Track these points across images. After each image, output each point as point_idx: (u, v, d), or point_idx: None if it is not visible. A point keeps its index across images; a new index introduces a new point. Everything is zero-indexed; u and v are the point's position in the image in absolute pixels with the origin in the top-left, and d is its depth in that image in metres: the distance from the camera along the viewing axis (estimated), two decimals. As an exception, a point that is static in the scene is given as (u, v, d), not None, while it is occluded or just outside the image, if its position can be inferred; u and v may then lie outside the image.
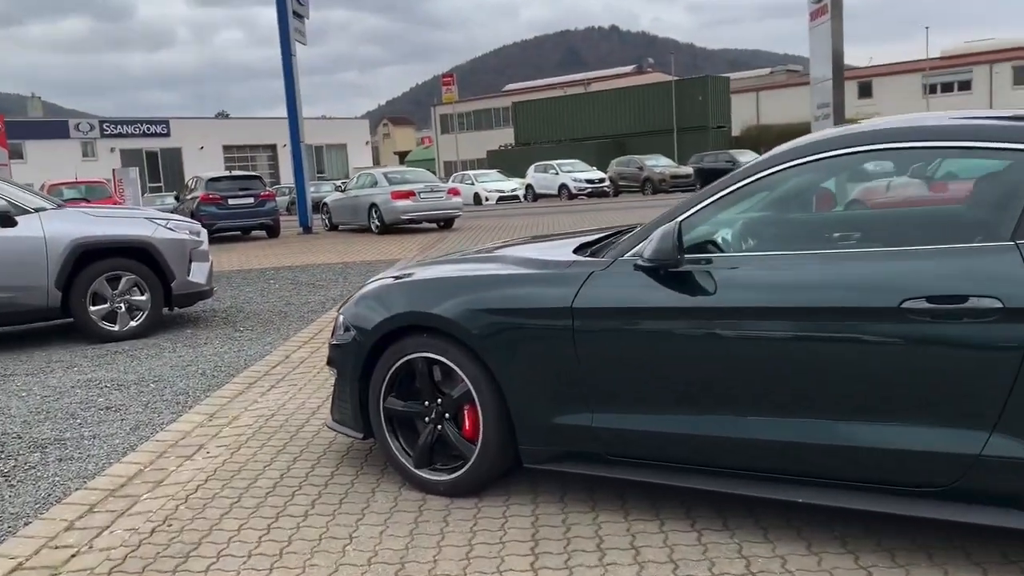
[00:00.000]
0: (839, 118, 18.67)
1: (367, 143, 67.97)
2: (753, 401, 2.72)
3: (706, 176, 31.56)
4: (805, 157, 2.80)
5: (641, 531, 2.95)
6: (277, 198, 21.39)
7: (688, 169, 32.05)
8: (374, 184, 18.56)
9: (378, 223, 18.13)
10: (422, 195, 17.81)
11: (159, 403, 5.17)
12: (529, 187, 33.72)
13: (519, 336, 3.10)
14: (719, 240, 3.00)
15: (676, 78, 49.51)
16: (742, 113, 53.49)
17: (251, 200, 18.37)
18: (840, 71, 18.71)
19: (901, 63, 57.37)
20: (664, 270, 2.82)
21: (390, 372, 3.47)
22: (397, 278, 3.65)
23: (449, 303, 3.27)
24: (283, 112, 19.95)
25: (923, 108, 49.83)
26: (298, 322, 7.84)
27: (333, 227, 20.54)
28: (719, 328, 2.74)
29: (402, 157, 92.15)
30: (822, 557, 2.67)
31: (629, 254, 2.99)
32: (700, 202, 2.92)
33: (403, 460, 3.49)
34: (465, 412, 3.36)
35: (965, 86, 52.08)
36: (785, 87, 60.15)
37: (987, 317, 2.35)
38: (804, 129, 43.36)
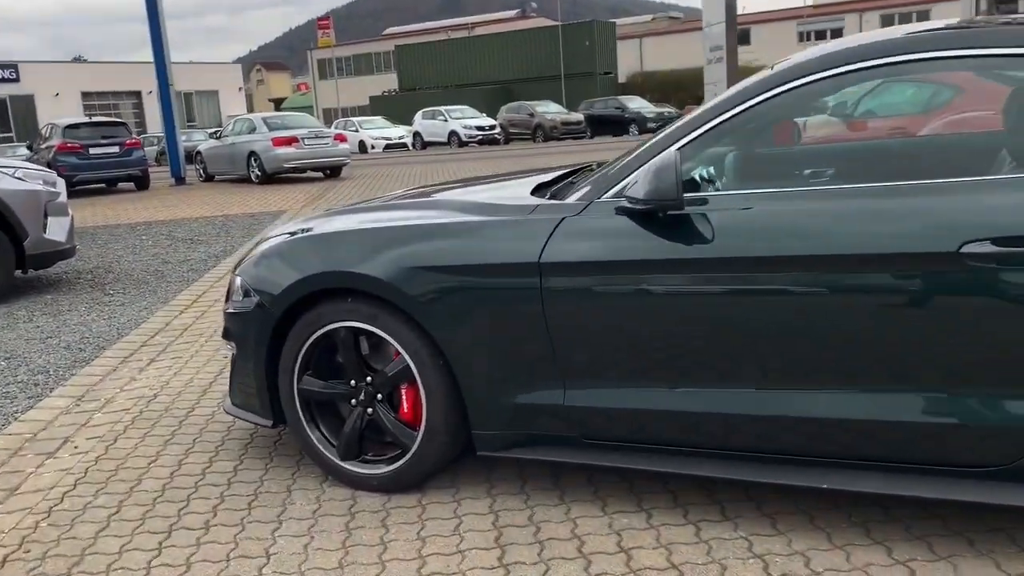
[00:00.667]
0: (732, 61, 18.65)
1: (240, 89, 64.51)
2: (771, 371, 2.24)
3: (596, 123, 31.37)
4: (821, 72, 2.30)
5: (627, 527, 2.46)
6: (145, 148, 19.71)
7: (579, 116, 31.68)
8: (253, 130, 17.27)
9: (259, 172, 16.92)
10: (306, 141, 16.70)
11: (11, 386, 4.32)
12: (417, 134, 32.62)
13: (472, 299, 2.52)
14: (716, 177, 2.49)
15: (562, 23, 48.91)
16: (626, 60, 53.52)
17: (116, 149, 16.75)
18: (733, 14, 18.64)
19: (777, 11, 58.61)
20: (662, 213, 2.28)
21: (305, 346, 2.83)
22: (305, 231, 2.98)
23: (379, 260, 2.64)
24: (148, 56, 18.24)
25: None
26: (178, 283, 6.96)
27: (209, 178, 19.12)
28: (731, 283, 2.24)
29: (277, 104, 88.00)
30: (849, 552, 2.25)
31: (608, 195, 2.44)
32: (695, 128, 2.38)
33: (325, 452, 2.88)
34: (403, 392, 2.76)
35: (837, 33, 53.66)
36: (667, 34, 60.59)
37: None
38: (689, 74, 43.60)
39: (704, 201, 2.31)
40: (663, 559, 2.28)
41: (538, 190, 2.87)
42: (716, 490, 2.64)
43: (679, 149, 2.34)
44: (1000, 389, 2.05)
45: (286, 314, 2.83)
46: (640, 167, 2.37)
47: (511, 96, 40.71)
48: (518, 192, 2.82)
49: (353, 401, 2.83)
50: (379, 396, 2.78)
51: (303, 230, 3.00)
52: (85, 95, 51.40)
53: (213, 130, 20.05)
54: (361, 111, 50.00)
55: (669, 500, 2.61)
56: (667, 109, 32.87)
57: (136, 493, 2.93)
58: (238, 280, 3.03)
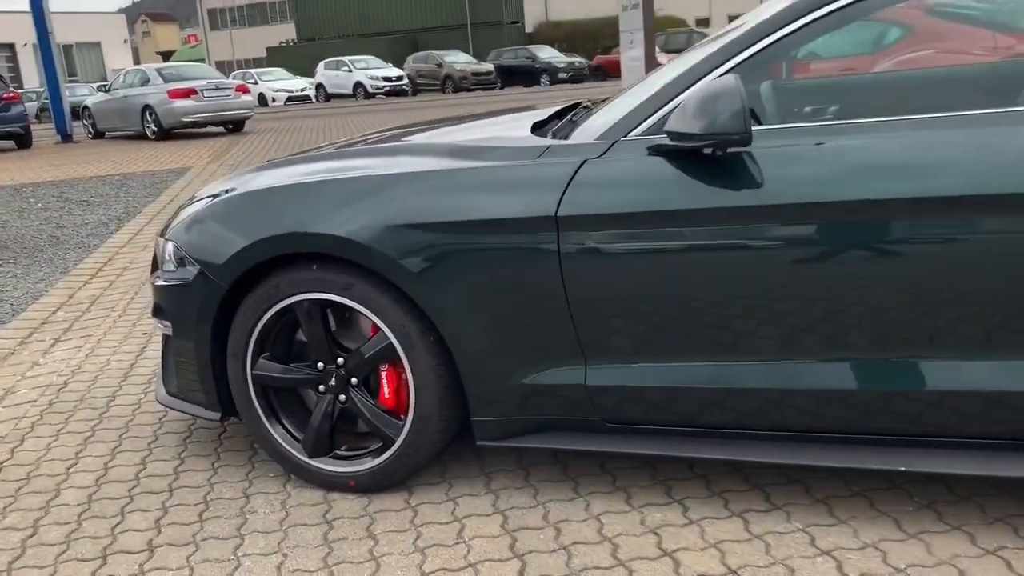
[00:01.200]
0: (649, 8, 18.32)
1: (125, 42, 60.76)
2: (854, 337, 1.89)
3: (506, 73, 30.73)
4: None
5: (663, 524, 2.11)
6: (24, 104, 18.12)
7: (489, 66, 30.94)
8: (146, 82, 16.02)
9: (154, 128, 15.74)
10: (205, 93, 15.59)
11: None
12: (320, 86, 31.30)
13: (473, 262, 2.09)
14: (770, 106, 2.11)
15: (465, -30, 47.61)
16: (532, 10, 52.68)
17: (-9, 104, 15.29)
18: (647, -43, 18.25)
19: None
20: (721, 151, 1.88)
21: (260, 324, 2.35)
22: (249, 187, 2.48)
23: (354, 217, 2.18)
24: (19, 5, 16.67)
25: (703, 5, 51.45)
26: (77, 250, 6.23)
27: (99, 134, 17.75)
28: (808, 236, 1.86)
29: (165, 58, 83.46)
30: (927, 542, 1.95)
31: (637, 132, 2.02)
32: (746, 48, 1.98)
33: (289, 448, 2.42)
34: (383, 374, 2.32)
35: (738, -17, 54.17)
36: (571, -18, 59.86)
37: None
38: (596, 24, 43.03)
39: (766, 135, 1.92)
40: (717, 562, 1.94)
41: (536, 130, 2.44)
42: (751, 473, 2.31)
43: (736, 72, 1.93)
44: None
45: (235, 286, 2.34)
46: (679, 95, 1.97)
47: (416, 46, 39.53)
48: (514, 132, 2.39)
49: (321, 387, 2.37)
50: (353, 380, 2.34)
51: (245, 186, 2.49)
52: (-47, 47, 47.36)
53: (96, 85, 18.47)
54: (257, 63, 47.75)
55: (701, 487, 2.27)
56: (577, 59, 32.44)
57: (56, 508, 2.41)
58: (170, 247, 2.51)
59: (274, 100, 29.54)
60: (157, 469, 2.61)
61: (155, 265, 2.66)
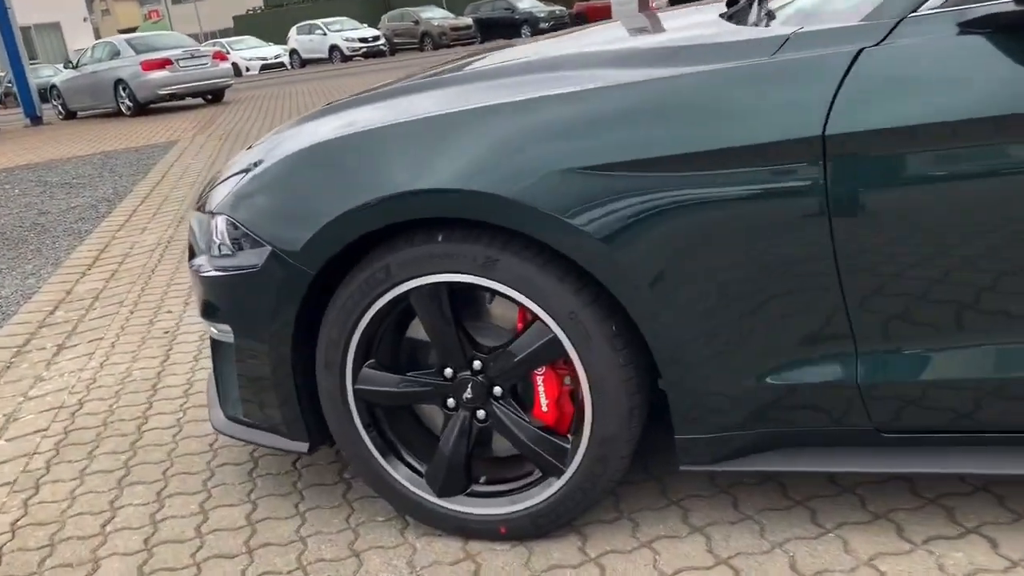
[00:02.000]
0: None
1: (85, 20, 58.81)
2: None
3: (485, 27, 29.64)
4: None
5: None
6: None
7: (467, 20, 29.78)
8: (116, 55, 15.04)
9: (129, 103, 14.81)
10: (181, 63, 14.65)
11: None
12: (294, 52, 30.13)
13: (688, 216, 1.43)
14: None
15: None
16: (502, -40, 51.09)
17: (-48, 87, 14.31)
18: None
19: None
20: None
21: (364, 321, 1.69)
22: (334, 133, 1.80)
23: (500, 162, 1.52)
24: None
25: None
26: (67, 237, 5.51)
27: (70, 115, 16.77)
28: None
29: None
30: None
31: (933, 3, 1.36)
32: None
33: (408, 486, 1.78)
34: (539, 380, 1.68)
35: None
36: (541, -69, 58.19)
37: None
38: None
39: None
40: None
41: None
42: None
43: None
44: None
45: (325, 270, 1.68)
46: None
47: (389, 5, 38.15)
48: (703, 27, 1.71)
49: (451, 402, 1.72)
50: (497, 390, 1.69)
51: (314, 135, 1.81)
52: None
53: (66, 62, 17.40)
54: (225, 34, 46.15)
55: (941, 518, 1.65)
56: (557, 8, 31.36)
57: (97, 588, 1.77)
58: (221, 223, 1.83)
59: (248, 69, 28.41)
60: (224, 519, 1.97)
61: (194, 250, 1.99)
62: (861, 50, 1.35)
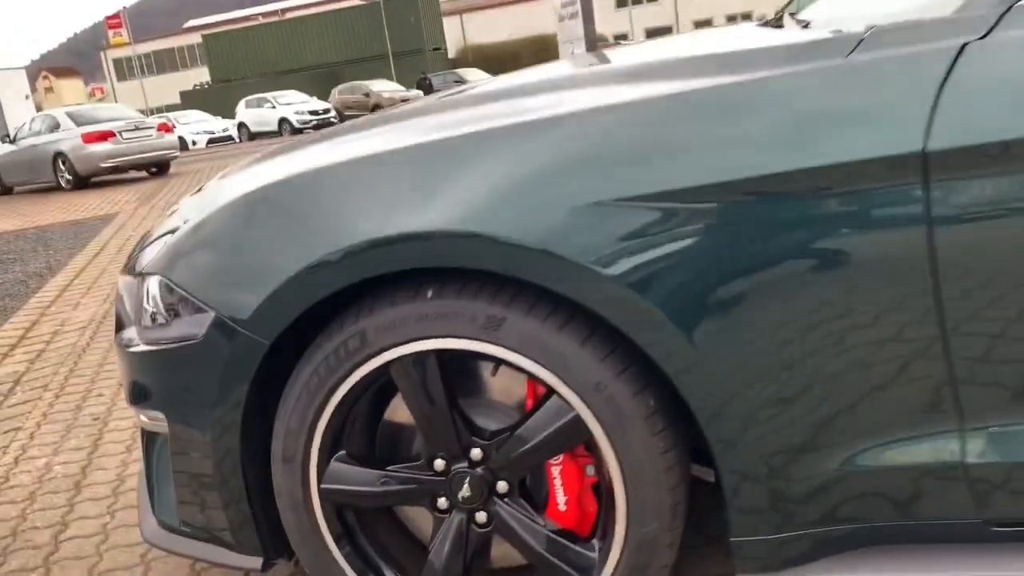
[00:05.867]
0: (589, 16, 17.73)
1: (27, 97, 58.09)
2: None
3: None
4: None
5: None
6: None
7: (418, 92, 29.95)
8: (56, 128, 14.51)
9: (69, 177, 14.23)
10: (124, 135, 14.17)
11: None
12: (242, 125, 29.84)
13: (751, 258, 1.14)
14: None
15: (383, 0, 46.73)
16: (451, 36, 52.07)
17: None
18: (583, -34, 17.67)
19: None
20: None
21: (333, 402, 1.35)
22: (287, 170, 1.47)
23: (505, 198, 1.21)
24: None
25: (622, 19, 51.68)
26: (-8, 314, 5.03)
27: (6, 190, 16.08)
28: None
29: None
30: None
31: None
32: None
33: (392, 610, 1.41)
34: (555, 471, 1.34)
35: (653, -2, 54.65)
36: (487, 8, 59.71)
37: None
38: (519, 45, 43.00)
39: None
40: None
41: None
42: None
43: None
44: None
45: (283, 340, 1.34)
46: None
47: (338, 80, 38.21)
48: (746, 36, 1.45)
49: (444, 501, 1.38)
50: (502, 486, 1.35)
51: (270, 175, 1.49)
52: None
53: (3, 136, 16.81)
54: (171, 109, 45.90)
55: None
56: (507, 80, 31.77)
57: None
58: (154, 285, 1.48)
59: (195, 143, 27.95)
60: (156, 658, 1.56)
61: (121, 321, 1.63)
62: (964, 44, 1.09)
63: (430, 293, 1.28)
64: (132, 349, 1.53)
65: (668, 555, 1.29)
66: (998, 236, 1.08)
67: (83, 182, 14.27)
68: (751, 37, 1.49)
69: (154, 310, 1.48)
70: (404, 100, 28.99)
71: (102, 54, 68.43)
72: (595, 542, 1.33)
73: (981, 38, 1.09)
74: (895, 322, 1.12)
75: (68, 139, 14.07)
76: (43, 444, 2.74)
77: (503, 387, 1.39)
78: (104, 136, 13.94)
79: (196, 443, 1.44)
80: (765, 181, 1.11)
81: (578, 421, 1.26)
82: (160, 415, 1.49)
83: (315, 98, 30.51)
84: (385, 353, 1.30)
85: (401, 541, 1.47)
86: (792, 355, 1.15)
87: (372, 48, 43.71)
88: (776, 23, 1.63)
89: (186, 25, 73.46)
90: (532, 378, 1.28)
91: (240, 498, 1.44)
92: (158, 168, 15.38)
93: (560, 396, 1.26)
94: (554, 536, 1.34)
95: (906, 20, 1.16)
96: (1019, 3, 1.10)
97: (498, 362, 1.31)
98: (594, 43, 18.23)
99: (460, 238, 1.21)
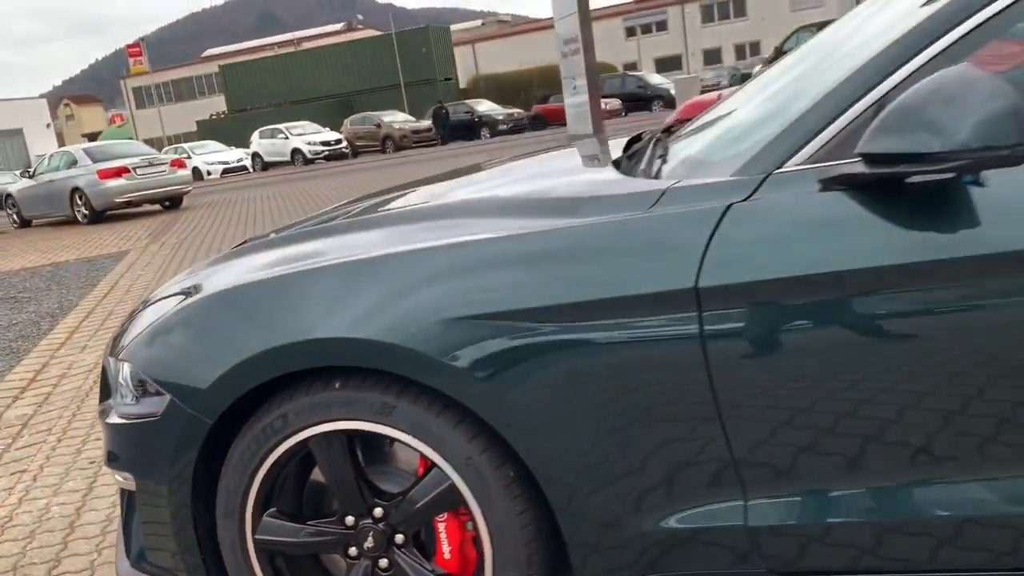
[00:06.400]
0: (590, 51, 18.16)
1: (48, 126, 59.21)
2: None
3: (453, 128, 30.30)
4: None
5: None
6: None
7: (427, 123, 30.52)
8: (73, 164, 15.08)
9: (86, 211, 14.80)
10: (138, 171, 14.71)
11: None
12: (256, 156, 30.51)
13: (574, 363, 1.46)
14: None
15: (396, 31, 47.61)
16: (462, 65, 52.91)
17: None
18: (585, 5, 18.11)
19: (603, 8, 59.82)
20: (975, 173, 1.29)
21: (263, 470, 1.68)
22: (238, 279, 1.82)
23: (391, 312, 1.54)
24: None
25: (631, 49, 52.36)
26: (5, 357, 5.40)
27: (25, 223, 16.70)
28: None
29: (92, 139, 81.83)
30: None
31: (797, 160, 1.43)
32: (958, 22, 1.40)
33: (313, 638, 1.73)
34: (440, 527, 1.66)
35: (662, 26, 55.34)
36: (498, 38, 60.65)
37: None
38: (529, 75, 43.60)
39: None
40: None
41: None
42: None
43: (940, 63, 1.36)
44: None
45: (224, 419, 1.67)
46: (852, 106, 1.39)
47: (352, 109, 39.02)
48: (594, 174, 1.78)
49: (354, 550, 1.70)
50: (399, 538, 1.67)
51: (218, 280, 1.84)
52: None
53: (23, 170, 17.42)
54: (188, 138, 46.79)
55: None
56: (515, 110, 32.33)
57: None
58: (126, 370, 1.82)
59: (209, 173, 28.61)
60: (125, 677, 1.88)
61: (103, 393, 1.97)
62: (728, 206, 1.42)
63: (337, 384, 1.60)
64: (109, 420, 1.86)
65: (526, 595, 1.60)
66: (757, 349, 1.39)
67: (98, 216, 14.79)
68: (587, 182, 1.82)
69: (126, 390, 1.82)
70: (414, 131, 29.60)
71: (121, 82, 69.63)
72: (477, 583, 1.64)
73: (743, 200, 1.42)
74: (685, 413, 1.44)
75: (85, 175, 14.61)
76: (45, 486, 3.08)
77: (402, 458, 1.71)
78: (119, 172, 14.46)
79: (157, 499, 1.77)
80: (577, 306, 1.44)
81: (453, 488, 1.58)
82: (129, 475, 1.82)
83: (328, 129, 31.12)
84: (303, 431, 1.63)
85: (320, 580, 1.79)
86: (610, 440, 1.47)
87: (385, 78, 44.53)
88: (629, 160, 1.95)
89: (204, 54, 74.74)
90: (419, 452, 1.61)
91: (192, 545, 1.77)
92: (171, 201, 15.90)
93: (440, 468, 1.58)
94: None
95: (694, 183, 1.49)
96: (773, 174, 1.43)
97: (392, 440, 1.63)
98: (596, 76, 18.64)
99: (354, 342, 1.55)
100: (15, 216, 16.79)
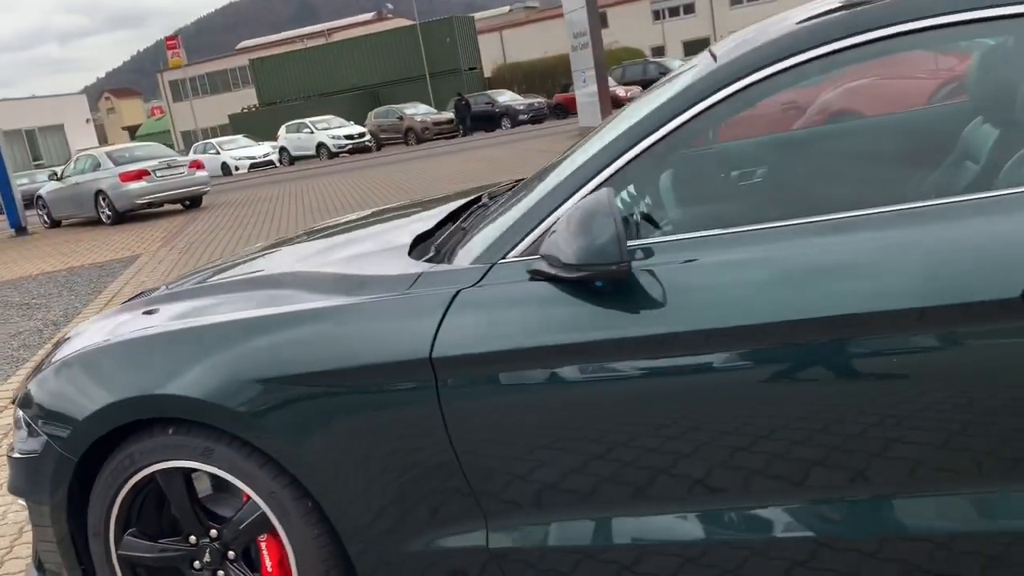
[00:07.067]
0: (598, 45, 18.35)
1: (88, 121, 60.64)
2: (769, 481, 1.62)
3: (474, 119, 30.63)
4: (792, 56, 1.67)
5: None
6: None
7: (449, 115, 30.93)
8: (96, 167, 15.73)
9: (109, 213, 15.44)
10: (158, 173, 15.31)
11: None
12: (283, 150, 31.17)
13: (342, 418, 1.80)
14: (663, 214, 1.85)
15: (420, 21, 48.00)
16: (489, 53, 53.12)
17: (-63, 205, 14.92)
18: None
19: (630, -8, 59.53)
20: (604, 280, 1.61)
21: (119, 498, 2.04)
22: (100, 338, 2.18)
23: (201, 374, 1.89)
24: None
25: (657, 33, 52.07)
26: (6, 365, 5.88)
27: (55, 223, 17.42)
28: (698, 368, 1.60)
29: (132, 132, 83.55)
30: None
31: (515, 252, 1.75)
32: (627, 150, 1.72)
33: (169, 637, 2.10)
34: (263, 546, 2.01)
35: (689, 9, 54.95)
36: (527, 24, 60.64)
37: None
38: (554, 62, 43.34)
39: (649, 252, 1.66)
40: None
41: (420, 243, 2.16)
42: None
43: (610, 184, 1.68)
44: None
45: (88, 457, 2.04)
46: (557, 209, 1.71)
47: (377, 100, 39.60)
48: (391, 254, 2.10)
49: (197, 564, 2.06)
50: (231, 554, 2.03)
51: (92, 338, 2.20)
52: (-89, 142, 46.88)
53: (50, 172, 18.17)
54: (222, 130, 47.74)
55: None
56: (537, 99, 32.54)
57: None
58: (19, 412, 2.20)
59: (237, 168, 29.33)
60: (28, 665, 2.27)
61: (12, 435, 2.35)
62: (457, 292, 1.74)
63: (171, 431, 1.96)
64: (9, 455, 2.24)
65: (328, 603, 1.95)
66: (480, 404, 1.71)
67: (121, 217, 15.40)
68: (386, 254, 2.13)
69: (20, 428, 2.20)
70: (436, 123, 29.96)
71: (159, 75, 70.93)
72: (290, 593, 1.99)
73: (473, 286, 1.74)
74: (429, 457, 1.76)
75: (107, 178, 15.23)
76: (4, 495, 3.49)
77: (231, 489, 2.06)
78: (139, 175, 15.05)
79: (44, 520, 2.14)
80: (342, 372, 1.77)
81: (264, 516, 1.92)
82: (23, 501, 2.20)
83: (351, 122, 31.62)
84: (147, 468, 1.99)
85: (174, 589, 2.15)
86: (379, 479, 1.80)
87: (410, 69, 44.94)
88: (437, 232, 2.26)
89: (238, 47, 75.77)
90: (240, 486, 1.95)
91: (72, 559, 2.14)
92: (192, 201, 16.46)
93: (254, 498, 1.93)
94: (263, 587, 2.01)
95: (442, 268, 1.81)
96: (498, 263, 1.74)
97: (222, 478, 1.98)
98: (603, 69, 18.77)
99: (177, 398, 1.89)
100: (46, 216, 17.51)
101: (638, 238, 1.69)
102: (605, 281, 1.59)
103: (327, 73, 48.04)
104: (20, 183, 25.62)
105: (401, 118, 30.93)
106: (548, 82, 42.17)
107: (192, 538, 2.04)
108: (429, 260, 1.95)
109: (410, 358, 1.73)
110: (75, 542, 2.13)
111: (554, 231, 1.61)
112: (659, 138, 1.69)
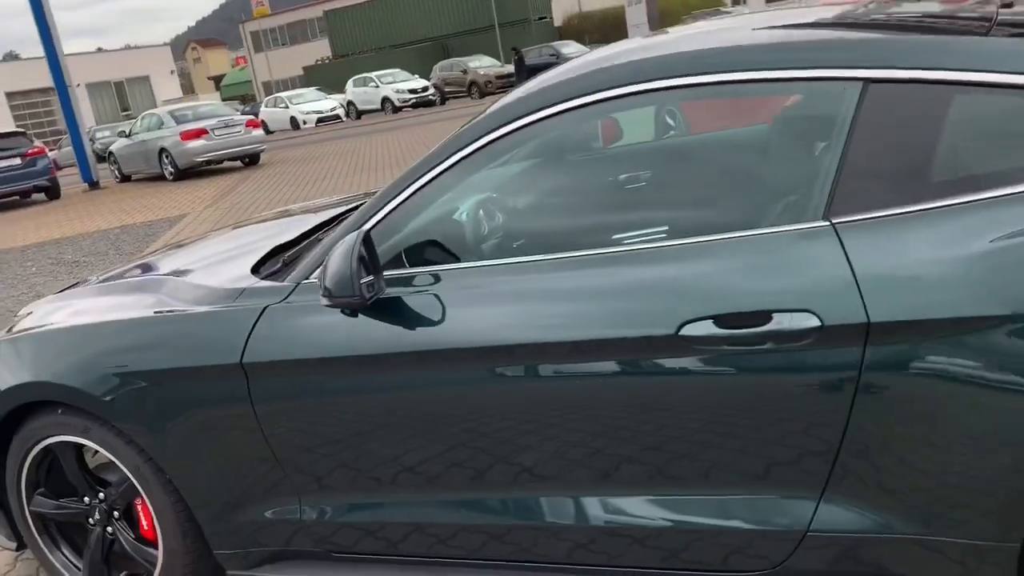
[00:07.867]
0: (652, 1, 18.10)
1: (172, 72, 62.51)
2: (484, 477, 1.92)
3: (530, 72, 30.53)
4: (533, 114, 1.91)
5: (384, 654, 2.13)
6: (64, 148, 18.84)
7: (511, 68, 30.88)
8: (160, 126, 16.54)
9: (172, 169, 16.26)
10: (216, 132, 16.01)
11: None
12: (351, 104, 31.76)
13: (180, 409, 2.15)
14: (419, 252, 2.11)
15: (491, -29, 47.60)
16: (563, 3, 52.42)
17: (17, 161, 15.93)
18: (647, -48, 18.01)
19: (709, -64, 57.48)
20: (347, 308, 1.91)
21: (27, 464, 2.45)
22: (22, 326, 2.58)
23: (76, 364, 2.26)
24: (80, 47, 17.34)
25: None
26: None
27: (125, 178, 18.39)
28: (443, 378, 1.90)
29: (217, 82, 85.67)
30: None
31: (316, 275, 2.05)
32: (395, 196, 1.99)
33: (69, 577, 2.52)
34: (139, 508, 2.40)
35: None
36: (601, -30, 59.30)
37: (800, 340, 1.59)
38: (623, 13, 42.39)
39: (399, 282, 1.95)
40: None
41: (277, 254, 2.48)
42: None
43: (375, 226, 1.97)
44: (755, 486, 1.72)
45: (4, 425, 2.45)
46: (335, 245, 1.99)
47: (447, 52, 39.75)
48: (242, 265, 2.42)
49: (91, 520, 2.46)
50: (115, 512, 2.42)
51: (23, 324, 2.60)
52: (10, 95, 49.32)
53: (120, 132, 19.18)
54: (297, 82, 48.70)
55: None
56: (602, 52, 32.08)
57: None
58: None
59: (305, 123, 30.07)
60: (-27, 595, 2.73)
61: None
62: (265, 307, 2.05)
63: (60, 411, 2.34)
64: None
65: (187, 558, 2.31)
66: (282, 403, 2.04)
67: (183, 173, 16.18)
68: (238, 265, 2.43)
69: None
70: (498, 77, 29.97)
71: (240, 26, 72.29)
72: (159, 546, 2.37)
73: (279, 302, 2.04)
74: (249, 445, 2.09)
75: (169, 136, 16.00)
76: None
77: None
78: (198, 133, 15.76)
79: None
80: (175, 371, 2.11)
81: (132, 484, 2.30)
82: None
83: (416, 76, 31.91)
84: (44, 441, 2.39)
85: (81, 539, 2.55)
86: (214, 460, 2.14)
87: (479, 19, 44.74)
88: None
89: (316, -3, 76.45)
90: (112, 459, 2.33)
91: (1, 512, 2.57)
92: (250, 159, 17.14)
93: (123, 469, 2.30)
94: (139, 543, 2.39)
95: (261, 285, 2.12)
96: (303, 283, 2.04)
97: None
98: (657, 25, 18.54)
99: (59, 386, 2.27)
100: (117, 171, 18.49)
101: (400, 269, 1.97)
102: (349, 309, 1.88)
103: (399, 25, 48.31)
104: (102, 136, 26.87)
105: (465, 71, 31.07)
106: (623, 33, 41.47)
107: (86, 499, 2.44)
108: (270, 274, 2.26)
109: (226, 362, 2.06)
110: (3, 499, 2.56)
111: (324, 263, 1.90)
112: (416, 190, 1.96)
